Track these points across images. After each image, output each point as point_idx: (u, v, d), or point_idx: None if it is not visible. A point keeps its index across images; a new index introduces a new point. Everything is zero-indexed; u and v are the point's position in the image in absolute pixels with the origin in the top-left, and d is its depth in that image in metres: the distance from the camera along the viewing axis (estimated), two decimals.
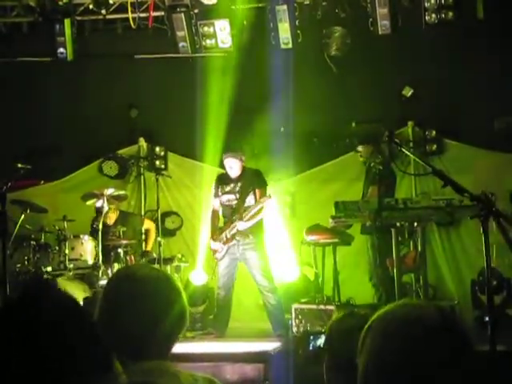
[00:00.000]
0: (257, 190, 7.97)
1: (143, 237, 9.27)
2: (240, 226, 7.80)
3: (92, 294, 7.86)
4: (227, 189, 8.04)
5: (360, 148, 8.26)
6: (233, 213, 7.96)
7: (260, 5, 9.84)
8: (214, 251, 8.05)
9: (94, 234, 8.76)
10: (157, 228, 9.16)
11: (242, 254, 7.94)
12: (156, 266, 8.44)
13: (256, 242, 7.88)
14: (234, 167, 7.99)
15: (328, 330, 2.68)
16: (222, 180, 8.14)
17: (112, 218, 9.08)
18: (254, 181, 8.00)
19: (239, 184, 7.99)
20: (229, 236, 7.91)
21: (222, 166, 8.43)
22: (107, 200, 8.60)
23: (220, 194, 8.08)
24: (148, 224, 9.38)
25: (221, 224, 8.19)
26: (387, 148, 8.44)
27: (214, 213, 8.23)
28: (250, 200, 7.96)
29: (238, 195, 7.98)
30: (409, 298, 1.72)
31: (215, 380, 2.23)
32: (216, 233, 8.05)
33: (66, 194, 10.05)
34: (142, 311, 2.25)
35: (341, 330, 2.63)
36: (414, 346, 1.56)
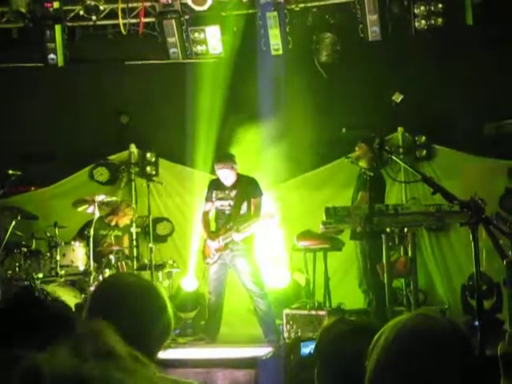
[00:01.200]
0: (252, 200, 7.97)
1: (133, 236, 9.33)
2: (236, 237, 7.81)
3: (83, 300, 7.84)
4: (221, 195, 8.04)
5: (360, 144, 8.08)
6: (228, 220, 7.96)
7: (250, 11, 9.87)
8: (207, 255, 8.04)
9: (81, 238, 8.76)
10: (148, 234, 9.15)
11: (231, 260, 7.95)
12: (147, 271, 8.46)
13: (245, 248, 7.89)
14: (228, 177, 7.98)
15: (318, 337, 2.68)
16: (216, 185, 8.12)
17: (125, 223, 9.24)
18: (249, 190, 8.00)
19: (234, 192, 7.99)
20: (222, 244, 7.90)
21: (213, 172, 8.43)
22: (98, 206, 8.60)
23: (214, 198, 8.08)
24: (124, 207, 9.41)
25: (212, 228, 8.20)
26: (378, 155, 8.46)
27: (206, 215, 8.22)
28: (243, 208, 7.98)
29: (232, 202, 7.98)
30: (424, 309, 1.75)
31: None
32: (212, 234, 8.04)
33: (57, 201, 10.04)
34: (129, 320, 2.25)
35: (331, 337, 2.64)
36: (428, 359, 1.58)
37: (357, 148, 8.12)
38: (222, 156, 8.22)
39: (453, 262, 9.42)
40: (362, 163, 7.90)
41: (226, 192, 8.01)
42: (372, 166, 7.85)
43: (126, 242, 9.37)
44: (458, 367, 1.58)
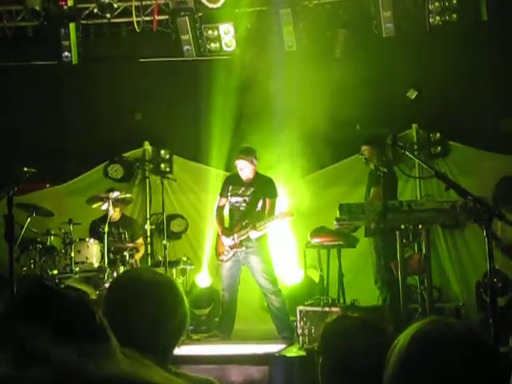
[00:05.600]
0: (267, 200, 7.98)
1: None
2: (252, 234, 7.82)
3: (98, 297, 7.87)
4: (238, 191, 8.04)
5: (364, 147, 8.21)
6: (243, 217, 7.96)
7: (264, 8, 9.87)
8: (221, 252, 8.05)
9: (95, 234, 8.79)
10: (162, 231, 9.17)
11: (244, 257, 7.96)
12: (161, 268, 8.48)
13: (258, 245, 7.89)
14: (244, 169, 7.99)
15: (322, 333, 2.69)
16: (233, 181, 8.14)
17: (115, 215, 9.07)
18: (266, 190, 8.01)
19: (251, 189, 8.00)
20: (237, 241, 7.91)
21: (227, 169, 8.45)
22: (112, 203, 8.62)
23: (229, 194, 8.09)
24: (140, 243, 9.38)
25: (225, 223, 8.21)
26: (390, 151, 8.45)
27: (221, 210, 8.23)
28: (258, 206, 7.98)
29: (248, 199, 7.98)
30: (438, 316, 1.75)
31: (215, 382, 2.25)
32: (226, 230, 8.05)
33: (72, 198, 10.09)
34: (147, 314, 2.26)
35: (334, 332, 2.64)
36: (442, 363, 1.58)
37: (362, 151, 8.19)
38: (245, 148, 8.20)
39: (467, 258, 9.38)
40: (372, 163, 7.92)
41: (243, 189, 8.02)
42: (382, 161, 7.85)
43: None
44: (473, 371, 1.58)
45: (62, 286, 8.03)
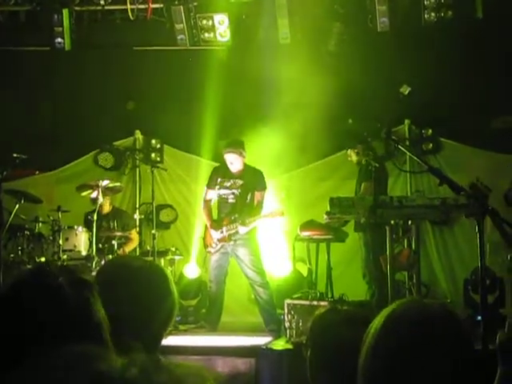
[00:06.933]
0: (256, 193, 7.96)
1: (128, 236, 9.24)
2: (241, 230, 7.79)
3: None
4: (226, 184, 7.98)
5: (349, 153, 8.35)
6: (232, 210, 7.92)
7: None
8: (209, 244, 8.02)
9: (87, 224, 8.74)
10: (151, 220, 9.13)
11: (232, 249, 7.93)
12: (150, 258, 8.44)
13: (247, 237, 7.86)
14: (234, 163, 7.95)
15: (310, 326, 2.68)
16: (221, 172, 8.08)
17: (106, 208, 9.05)
18: (255, 182, 7.97)
19: (240, 182, 7.95)
20: (226, 234, 7.88)
21: (217, 159, 8.41)
22: (102, 192, 8.58)
23: (217, 186, 8.04)
24: (134, 235, 9.32)
25: (213, 215, 8.17)
26: (383, 145, 8.45)
27: (208, 203, 8.19)
28: (248, 199, 7.95)
29: (236, 192, 7.94)
30: (410, 297, 1.75)
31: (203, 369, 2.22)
32: (215, 223, 8.01)
33: (61, 185, 10.05)
34: (138, 301, 2.24)
35: (323, 326, 2.63)
36: (417, 342, 1.57)
37: (349, 157, 8.26)
38: (233, 141, 8.16)
39: (456, 256, 9.41)
40: (364, 159, 7.96)
41: (232, 181, 7.97)
42: (371, 156, 7.87)
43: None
44: (449, 350, 1.57)
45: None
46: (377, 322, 1.64)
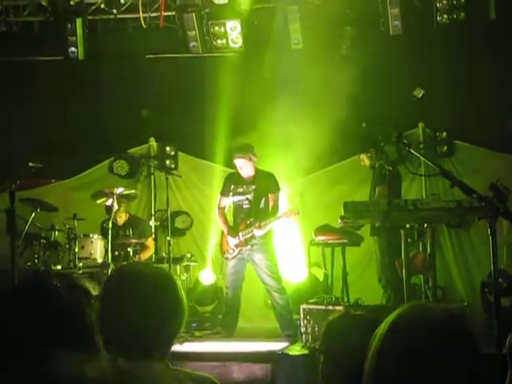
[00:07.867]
0: (270, 195, 7.95)
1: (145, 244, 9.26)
2: (257, 233, 7.79)
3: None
4: (240, 190, 7.98)
5: (361, 158, 8.34)
6: (247, 215, 7.92)
7: (271, 5, 9.84)
8: (226, 250, 8.02)
9: (104, 232, 8.78)
10: (166, 227, 9.15)
11: (249, 254, 7.92)
12: (165, 265, 8.46)
13: (263, 242, 7.85)
14: (243, 167, 7.95)
15: (323, 331, 2.67)
16: (234, 179, 8.08)
17: (122, 219, 9.09)
18: (267, 185, 7.96)
19: (253, 187, 7.95)
20: (242, 239, 7.88)
21: (231, 166, 8.41)
22: (117, 199, 8.62)
23: (231, 193, 8.04)
24: (150, 242, 9.35)
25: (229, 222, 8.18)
26: (395, 149, 8.42)
27: (222, 210, 8.19)
28: (262, 203, 7.95)
29: (250, 197, 7.93)
30: (416, 300, 1.75)
31: (214, 380, 2.22)
32: (232, 230, 8.02)
33: (77, 193, 10.10)
34: (146, 308, 2.23)
35: (337, 331, 2.62)
36: (421, 346, 1.57)
37: (361, 161, 8.26)
38: (241, 146, 8.15)
39: (472, 258, 9.35)
40: (377, 163, 7.95)
41: (245, 187, 7.97)
42: (384, 160, 7.85)
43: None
44: (453, 354, 1.57)
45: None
46: (382, 326, 1.65)
